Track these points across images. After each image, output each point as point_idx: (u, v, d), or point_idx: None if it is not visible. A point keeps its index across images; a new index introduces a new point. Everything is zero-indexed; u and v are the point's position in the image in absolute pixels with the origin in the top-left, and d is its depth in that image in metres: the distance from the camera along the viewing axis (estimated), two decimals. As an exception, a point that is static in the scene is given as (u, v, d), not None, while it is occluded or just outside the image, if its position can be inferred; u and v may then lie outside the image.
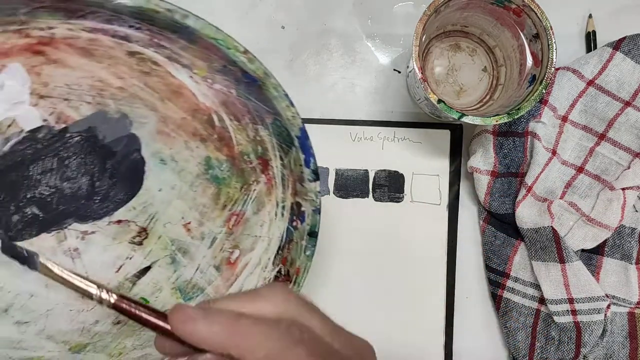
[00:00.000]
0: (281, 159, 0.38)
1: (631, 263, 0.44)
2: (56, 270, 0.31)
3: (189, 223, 0.41)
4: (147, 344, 0.40)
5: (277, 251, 0.40)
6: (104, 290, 0.29)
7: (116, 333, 0.40)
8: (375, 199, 0.46)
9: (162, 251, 0.41)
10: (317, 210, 0.38)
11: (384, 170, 0.46)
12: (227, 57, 0.36)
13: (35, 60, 0.37)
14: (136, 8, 0.34)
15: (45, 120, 0.39)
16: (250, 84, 0.37)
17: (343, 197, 0.46)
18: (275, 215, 0.40)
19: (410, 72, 0.43)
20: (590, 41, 0.46)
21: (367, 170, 0.46)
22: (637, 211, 0.44)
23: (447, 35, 0.44)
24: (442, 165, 0.46)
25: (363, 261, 0.45)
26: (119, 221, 0.40)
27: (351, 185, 0.46)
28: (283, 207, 0.40)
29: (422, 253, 0.45)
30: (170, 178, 0.41)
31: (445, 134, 0.46)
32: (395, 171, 0.46)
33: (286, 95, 0.37)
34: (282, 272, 0.39)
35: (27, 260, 0.32)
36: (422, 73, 0.38)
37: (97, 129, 0.40)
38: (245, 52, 0.36)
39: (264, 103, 0.37)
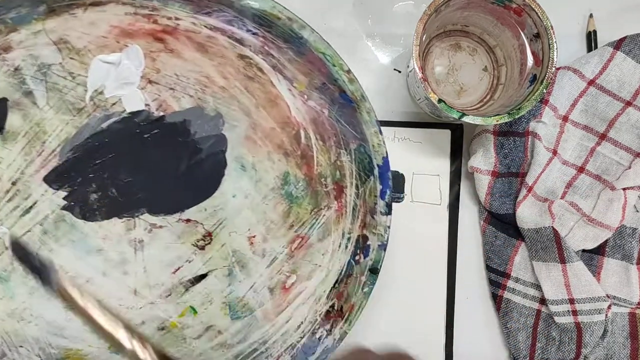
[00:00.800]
0: (357, 187, 0.39)
1: (632, 263, 0.44)
2: (76, 295, 0.30)
3: (254, 237, 0.41)
4: (186, 359, 0.40)
5: (334, 284, 0.39)
6: (138, 341, 0.27)
7: (159, 339, 0.40)
8: (376, 199, 0.46)
9: (221, 260, 0.41)
10: (383, 247, 0.38)
11: (384, 170, 0.46)
12: (330, 74, 0.37)
13: (155, 46, 0.39)
14: (260, 11, 0.36)
15: (147, 105, 0.40)
16: (345, 105, 0.37)
17: (343, 197, 0.46)
18: (339, 246, 0.40)
19: (410, 71, 0.43)
20: (591, 41, 0.46)
21: (367, 170, 0.46)
22: (638, 211, 0.44)
23: (448, 35, 0.44)
24: (443, 165, 0.46)
25: (363, 261, 0.45)
26: (188, 220, 0.41)
27: (351, 185, 0.46)
28: (348, 239, 0.39)
29: (423, 253, 0.45)
30: (246, 186, 0.41)
31: (446, 134, 0.46)
32: (395, 171, 0.46)
33: (377, 122, 0.37)
34: (336, 307, 0.39)
35: (40, 271, 0.31)
36: (422, 73, 0.38)
37: (191, 123, 0.40)
38: (349, 72, 0.37)
39: (353, 127, 0.38)
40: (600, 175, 0.44)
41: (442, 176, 0.46)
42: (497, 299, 0.45)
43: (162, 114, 0.40)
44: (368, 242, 0.38)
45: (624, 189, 0.42)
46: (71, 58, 0.39)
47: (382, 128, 0.45)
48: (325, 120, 0.39)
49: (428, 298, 0.45)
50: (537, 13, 0.37)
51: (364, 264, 0.38)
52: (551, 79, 0.37)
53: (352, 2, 0.46)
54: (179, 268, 0.41)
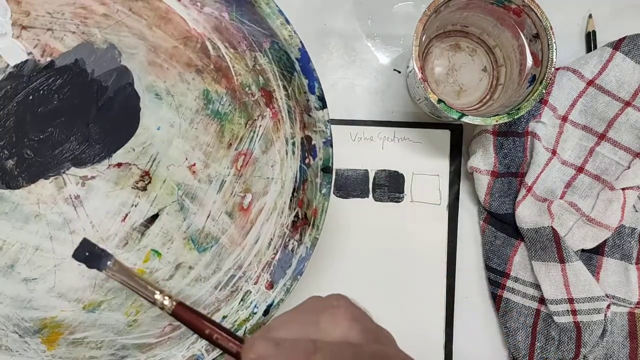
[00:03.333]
0: (285, 88, 0.36)
1: (631, 263, 0.44)
2: (125, 273, 0.31)
3: (194, 165, 0.39)
4: None
5: (292, 193, 0.38)
6: (166, 297, 0.29)
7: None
8: (375, 199, 0.46)
9: (168, 197, 0.39)
10: (329, 142, 0.36)
11: (384, 170, 0.46)
12: None
13: None
14: None
15: (30, 53, 0.37)
16: (241, 3, 0.34)
17: (343, 197, 0.46)
18: (286, 153, 0.38)
19: (410, 72, 0.43)
20: (590, 41, 0.46)
21: (367, 170, 0.46)
22: (637, 211, 0.44)
23: (447, 35, 0.44)
24: (442, 165, 0.46)
25: (363, 261, 0.45)
26: (119, 164, 0.39)
27: (351, 185, 0.46)
28: (293, 144, 0.38)
29: (422, 253, 0.45)
30: (168, 114, 0.39)
31: (445, 134, 0.46)
32: (395, 171, 0.46)
33: (280, 11, 0.34)
34: (300, 216, 0.38)
35: (99, 260, 0.32)
36: (422, 73, 0.38)
37: (85, 62, 0.38)
38: None
39: (259, 24, 0.35)
40: (599, 175, 0.44)
41: (442, 176, 0.46)
42: (496, 299, 0.45)
43: (49, 59, 0.37)
44: (313, 142, 0.36)
45: (623, 189, 0.42)
46: None
47: (382, 128, 0.46)
48: (229, 24, 0.36)
49: (428, 297, 0.45)
50: (536, 13, 0.37)
51: (315, 166, 0.37)
52: (550, 79, 0.37)
53: (352, 2, 0.46)
54: (126, 215, 0.39)
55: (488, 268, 0.45)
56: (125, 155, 0.39)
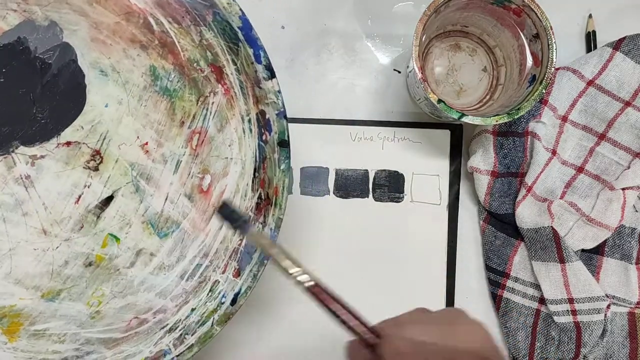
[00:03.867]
0: (234, 62, 0.36)
1: (631, 263, 0.44)
2: (265, 241, 0.30)
3: (146, 144, 0.38)
4: (128, 292, 0.38)
5: (254, 174, 0.37)
6: (304, 274, 0.28)
7: (90, 277, 0.38)
8: (375, 199, 0.46)
9: (122, 177, 0.38)
10: (282, 114, 0.35)
11: (384, 170, 0.46)
12: None
13: None
14: None
15: None
16: None
17: (343, 197, 0.46)
18: (244, 131, 0.37)
19: (410, 72, 0.43)
20: (590, 41, 0.46)
21: (367, 170, 0.46)
22: (637, 211, 0.44)
23: (447, 35, 0.44)
24: (442, 165, 0.46)
25: (363, 261, 0.45)
26: (68, 143, 0.38)
27: (351, 185, 0.46)
28: (249, 121, 0.36)
29: (422, 253, 0.45)
30: (115, 91, 0.38)
31: (445, 134, 0.46)
32: (395, 171, 0.46)
33: None
34: (263, 197, 0.36)
35: (241, 224, 0.31)
36: (422, 73, 0.38)
37: (28, 40, 0.37)
38: None
39: None
40: (599, 175, 0.44)
41: (442, 176, 0.46)
42: (496, 299, 0.45)
43: None
44: (267, 116, 0.35)
45: (623, 189, 0.42)
46: None
47: (382, 128, 0.46)
48: None
49: (428, 297, 0.45)
50: (536, 14, 0.37)
51: (271, 141, 0.35)
52: (550, 79, 0.37)
53: (352, 2, 0.46)
54: (80, 196, 0.38)
55: (488, 268, 0.45)
56: (74, 134, 0.38)
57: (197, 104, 0.38)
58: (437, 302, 0.45)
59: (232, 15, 0.34)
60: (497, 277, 0.45)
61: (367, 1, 0.46)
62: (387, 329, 0.28)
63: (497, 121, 0.37)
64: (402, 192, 0.46)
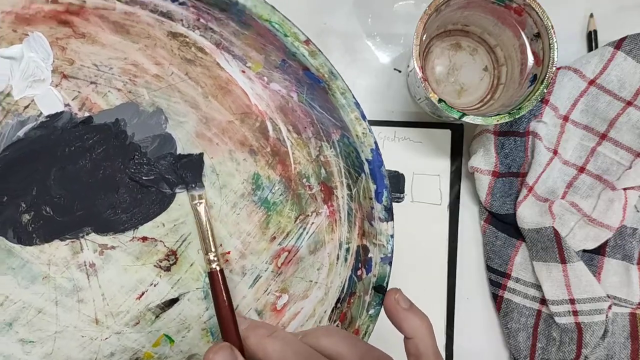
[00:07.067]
0: (349, 188, 0.33)
1: (632, 263, 0.44)
2: (202, 212, 0.31)
3: (228, 253, 0.35)
4: None
5: (336, 304, 0.34)
6: (217, 259, 0.30)
7: None
8: (376, 199, 0.46)
9: (193, 282, 0.35)
10: (388, 260, 0.32)
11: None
12: (286, 48, 0.30)
13: (60, 31, 0.33)
14: None
15: (67, 105, 0.34)
16: (313, 86, 0.31)
17: (343, 197, 0.46)
18: (337, 259, 0.34)
19: (410, 71, 0.43)
20: (592, 40, 0.45)
21: (367, 170, 0.46)
22: (638, 211, 0.44)
23: (448, 35, 0.44)
24: (443, 165, 0.46)
25: (363, 261, 0.45)
26: (144, 238, 0.35)
27: (351, 185, 0.46)
28: (347, 250, 0.34)
29: (423, 253, 0.45)
30: (209, 194, 0.35)
31: (446, 134, 0.46)
32: (395, 171, 0.45)
33: (357, 104, 0.31)
34: None
35: (194, 180, 0.32)
36: (422, 72, 0.37)
37: (127, 123, 0.34)
38: (307, 42, 0.30)
39: (330, 113, 0.31)
40: (600, 175, 0.44)
41: (443, 176, 0.46)
42: (497, 299, 0.45)
43: (87, 114, 0.34)
44: (369, 255, 0.33)
45: (624, 189, 0.42)
46: None
47: (382, 128, 0.46)
48: (296, 106, 0.33)
49: (428, 298, 0.45)
50: (537, 13, 0.37)
51: (367, 281, 0.33)
52: (552, 78, 0.37)
53: (352, 1, 0.46)
54: (143, 293, 0.35)
55: (489, 269, 0.45)
56: (153, 230, 0.35)
57: (295, 221, 0.35)
58: (437, 303, 0.45)
59: (364, 146, 0.31)
60: (498, 277, 0.44)
61: (367, 1, 0.46)
62: (251, 337, 0.28)
63: (498, 121, 0.37)
64: (403, 192, 0.45)
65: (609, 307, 0.42)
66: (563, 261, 0.42)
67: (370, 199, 0.32)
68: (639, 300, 0.43)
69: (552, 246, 0.42)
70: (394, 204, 0.45)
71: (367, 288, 0.33)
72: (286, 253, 0.35)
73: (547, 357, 0.43)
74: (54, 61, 0.33)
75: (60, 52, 0.33)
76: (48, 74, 0.33)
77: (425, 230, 0.45)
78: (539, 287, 0.43)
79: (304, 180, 0.34)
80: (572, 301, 0.42)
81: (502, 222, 0.45)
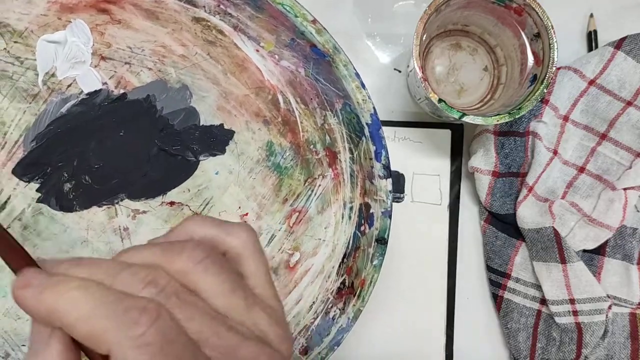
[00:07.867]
0: (351, 151, 0.36)
1: (632, 263, 0.44)
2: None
3: (246, 214, 0.39)
4: None
5: (342, 259, 0.37)
6: None
7: None
8: (376, 199, 0.45)
9: None
10: (387, 213, 0.35)
11: (385, 170, 0.46)
12: (295, 28, 0.34)
13: (99, 18, 0.37)
14: None
15: (104, 83, 0.38)
16: (319, 61, 0.35)
17: (343, 197, 0.46)
18: (342, 217, 0.38)
19: (410, 71, 0.43)
20: (592, 40, 0.45)
21: (367, 170, 0.46)
22: (638, 211, 0.44)
23: (448, 35, 0.44)
24: (443, 165, 0.46)
25: (363, 261, 0.45)
26: (172, 203, 0.38)
27: (351, 185, 0.46)
28: (351, 209, 0.37)
29: (423, 253, 0.45)
30: (228, 161, 0.39)
31: (446, 134, 0.46)
32: (395, 171, 0.45)
33: (357, 74, 0.34)
34: (347, 284, 0.37)
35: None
36: (422, 72, 0.37)
37: (156, 99, 0.38)
38: (314, 21, 0.34)
39: (333, 84, 0.35)
40: (600, 175, 0.44)
41: (443, 176, 0.46)
42: (497, 299, 0.45)
43: (122, 91, 0.38)
44: (371, 210, 0.36)
45: (624, 189, 0.42)
46: (15, 42, 0.37)
47: (383, 128, 0.45)
48: (303, 80, 0.36)
49: (428, 298, 0.45)
50: (537, 13, 0.37)
51: (370, 235, 0.36)
52: (552, 78, 0.37)
53: (352, 1, 0.46)
54: None
55: (489, 269, 0.45)
56: (180, 195, 0.39)
57: (304, 184, 0.38)
58: (437, 303, 0.45)
59: (364, 111, 0.35)
60: (498, 277, 0.44)
61: (368, 0, 0.46)
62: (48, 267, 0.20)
63: (498, 121, 0.37)
64: (403, 192, 0.45)
65: (609, 307, 0.42)
66: (563, 261, 0.42)
67: (371, 159, 0.35)
68: (639, 300, 0.43)
69: (552, 246, 0.42)
70: (394, 204, 0.45)
71: (370, 241, 0.36)
72: (297, 213, 0.39)
73: (547, 357, 0.43)
74: (93, 45, 0.38)
75: (99, 37, 0.37)
76: (88, 56, 0.38)
77: (425, 230, 0.45)
78: (539, 287, 0.43)
79: (311, 146, 0.38)
80: (572, 301, 0.42)
81: (502, 222, 0.45)
